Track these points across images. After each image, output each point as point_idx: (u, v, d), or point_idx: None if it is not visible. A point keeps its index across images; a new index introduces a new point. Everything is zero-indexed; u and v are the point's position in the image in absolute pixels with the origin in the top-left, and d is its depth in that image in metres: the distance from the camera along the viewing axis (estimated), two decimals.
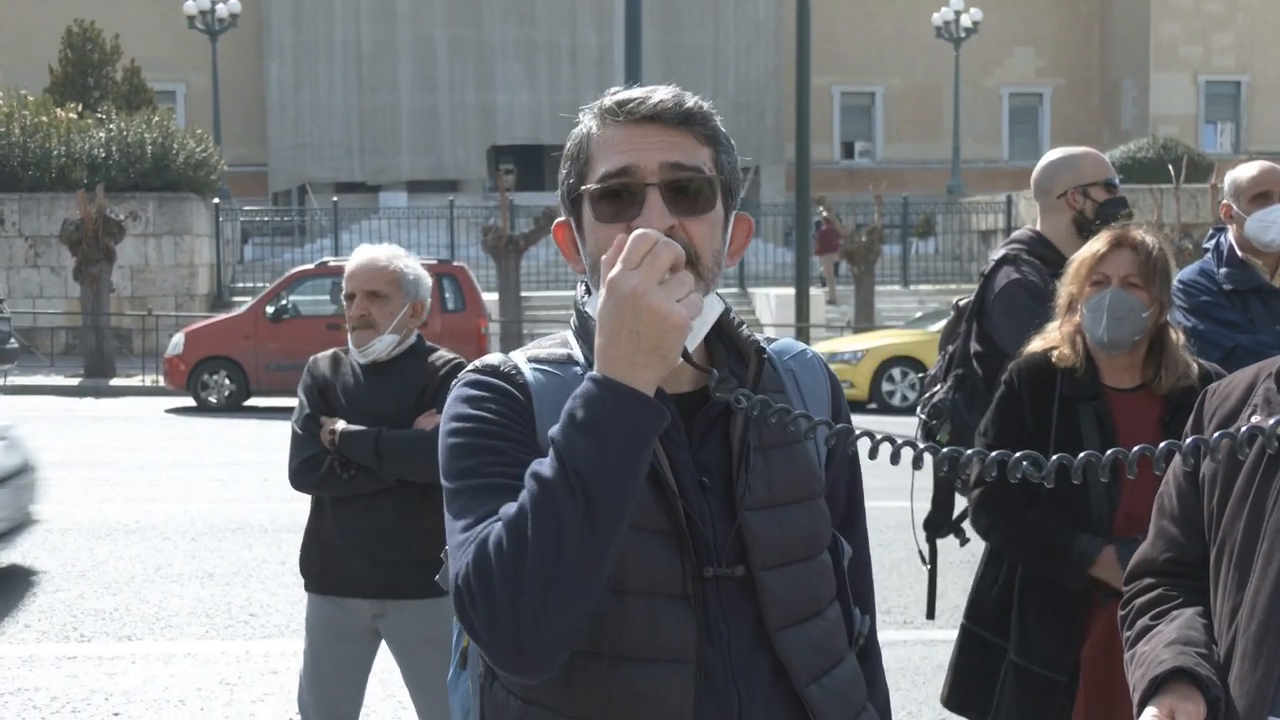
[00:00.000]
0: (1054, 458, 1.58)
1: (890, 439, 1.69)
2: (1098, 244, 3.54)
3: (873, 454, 1.70)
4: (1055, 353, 3.55)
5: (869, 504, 2.16)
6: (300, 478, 4.23)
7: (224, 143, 32.96)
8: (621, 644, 1.79)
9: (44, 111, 26.76)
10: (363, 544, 4.12)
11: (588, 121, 1.87)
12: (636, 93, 1.84)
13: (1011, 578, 3.65)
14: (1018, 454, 1.59)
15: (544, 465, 1.67)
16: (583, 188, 1.83)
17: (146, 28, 38.31)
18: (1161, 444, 1.58)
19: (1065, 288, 3.61)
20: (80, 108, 28.05)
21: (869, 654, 2.10)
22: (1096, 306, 3.46)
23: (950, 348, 4.58)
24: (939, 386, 4.58)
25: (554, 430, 1.67)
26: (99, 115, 27.50)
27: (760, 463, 1.87)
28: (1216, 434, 1.60)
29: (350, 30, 39.75)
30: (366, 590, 4.17)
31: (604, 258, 1.69)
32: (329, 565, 4.21)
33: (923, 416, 4.58)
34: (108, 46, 32.67)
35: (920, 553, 4.82)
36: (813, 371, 2.03)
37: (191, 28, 34.42)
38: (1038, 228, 4.51)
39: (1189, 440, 1.63)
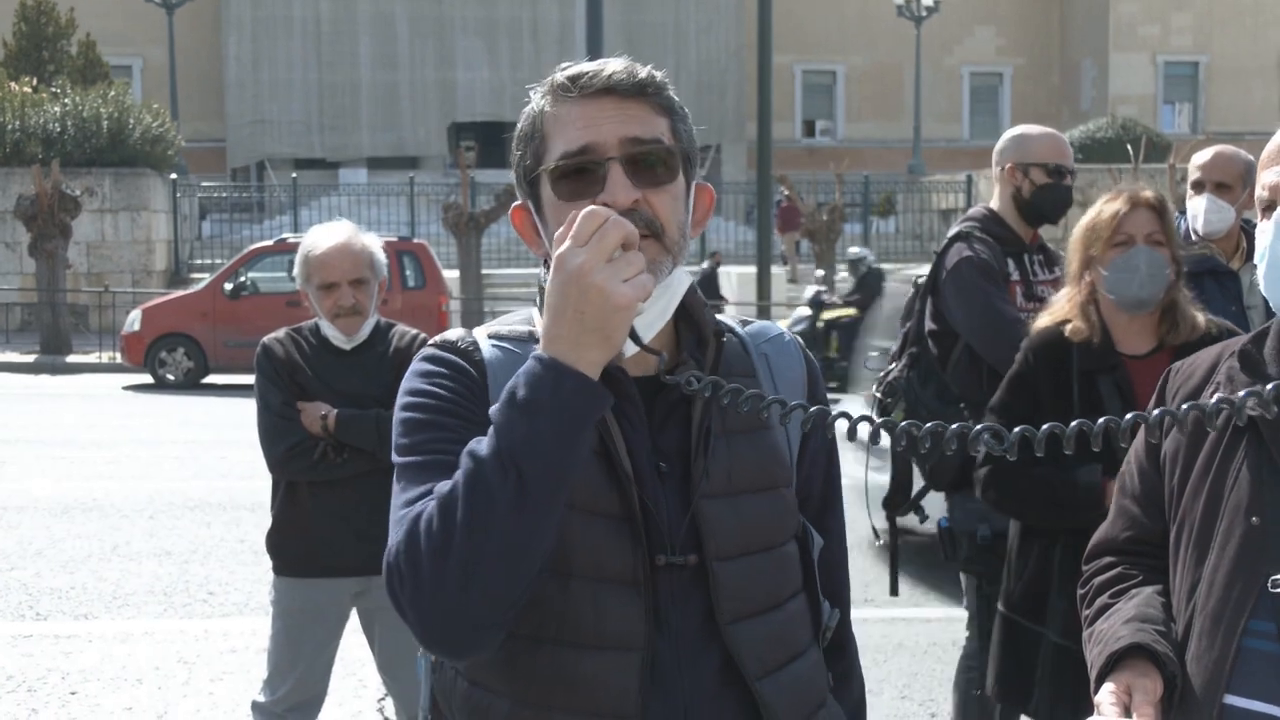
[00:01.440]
0: (1016, 429, 1.56)
1: (862, 418, 1.64)
2: (1115, 204, 3.49)
3: (850, 435, 1.66)
4: (1068, 326, 3.51)
5: None
6: (288, 464, 4.16)
7: (181, 118, 32.65)
8: (565, 629, 1.75)
9: None
10: (348, 522, 4.08)
11: (539, 100, 1.82)
12: (588, 66, 1.79)
13: (1045, 559, 3.57)
14: (979, 426, 1.56)
15: (481, 443, 1.63)
16: (540, 169, 1.79)
17: (102, 1, 37.89)
18: (1127, 415, 1.57)
19: (1079, 253, 3.55)
20: (35, 82, 27.73)
21: (842, 649, 2.05)
22: (1128, 265, 3.42)
23: (907, 326, 4.61)
24: (894, 364, 4.61)
25: (493, 408, 1.64)
26: (54, 90, 27.19)
27: (722, 449, 1.82)
28: (1185, 405, 1.58)
29: (309, 6, 39.48)
30: (350, 569, 4.14)
31: (556, 234, 1.64)
32: (309, 548, 4.18)
33: (878, 395, 4.59)
34: (63, 20, 32.29)
35: (874, 529, 4.84)
36: (788, 355, 1.98)
37: (148, 1, 34.06)
38: (993, 205, 4.54)
39: (1155, 412, 1.62)
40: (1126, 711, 1.91)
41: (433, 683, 1.91)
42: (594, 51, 16.87)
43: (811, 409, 1.64)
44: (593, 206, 1.62)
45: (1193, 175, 4.57)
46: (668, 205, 1.76)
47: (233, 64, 39.55)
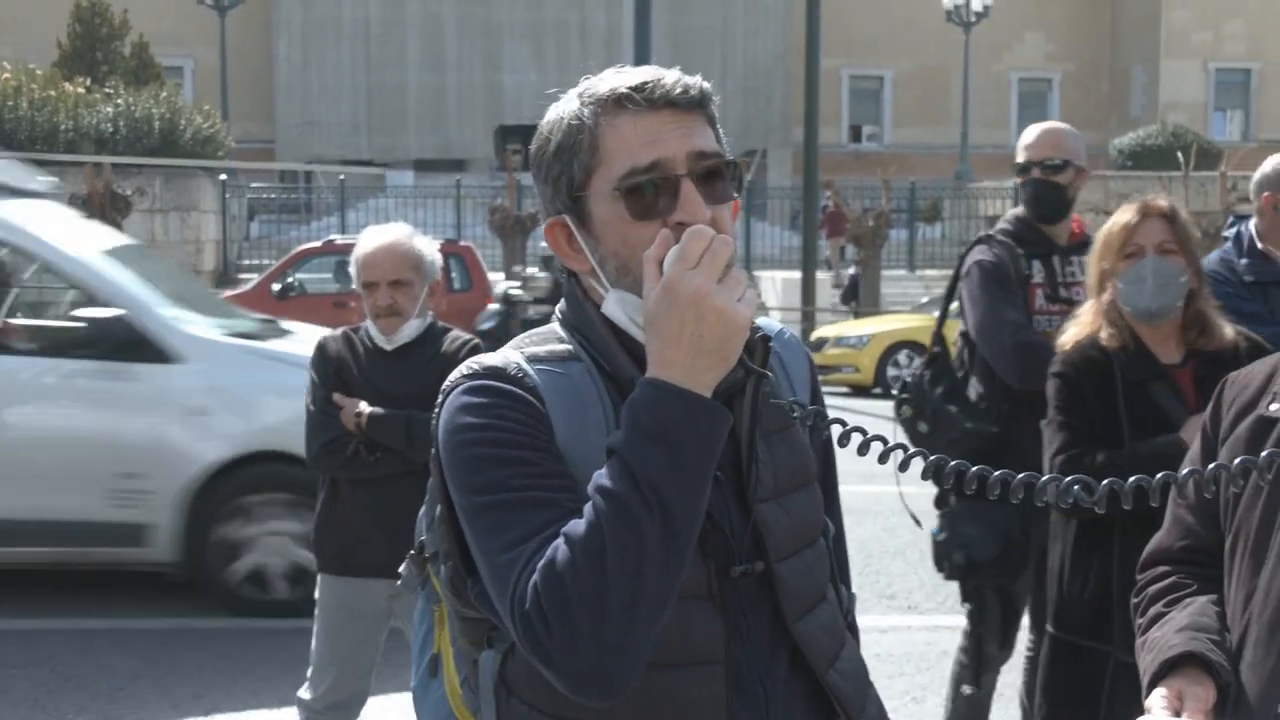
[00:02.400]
0: (1021, 475, 1.55)
1: (902, 446, 1.67)
2: (1126, 215, 3.49)
3: (882, 459, 1.70)
4: (1103, 334, 3.49)
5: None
6: (323, 460, 4.22)
7: (231, 119, 32.90)
8: (657, 650, 1.67)
9: (52, 85, 26.70)
10: (384, 522, 4.10)
11: (580, 109, 1.74)
12: (645, 75, 1.73)
13: (1105, 574, 3.49)
14: (998, 473, 1.54)
15: (608, 479, 1.57)
16: (607, 186, 1.72)
17: (155, 3, 38.23)
18: (1193, 468, 1.57)
19: (1094, 265, 3.55)
20: (88, 82, 27.99)
21: (854, 628, 2.08)
22: (1137, 276, 3.42)
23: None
24: (916, 364, 4.69)
25: (615, 440, 1.59)
26: (107, 90, 27.45)
27: (764, 452, 1.81)
28: (1266, 455, 1.58)
29: (359, 8, 39.72)
30: (386, 570, 4.16)
31: (647, 254, 1.62)
32: (346, 546, 4.22)
33: (895, 393, 4.67)
34: (116, 21, 32.62)
35: (913, 516, 4.85)
36: (794, 352, 1.98)
37: (200, 3, 34.39)
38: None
39: (1237, 461, 1.61)
40: (1177, 714, 1.90)
41: (499, 715, 1.82)
42: (641, 56, 16.90)
43: (911, 450, 1.66)
44: (698, 226, 1.61)
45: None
46: (728, 220, 1.74)
47: (283, 65, 39.83)
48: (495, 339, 12.99)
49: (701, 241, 1.58)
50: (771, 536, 1.80)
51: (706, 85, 1.77)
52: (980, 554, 4.28)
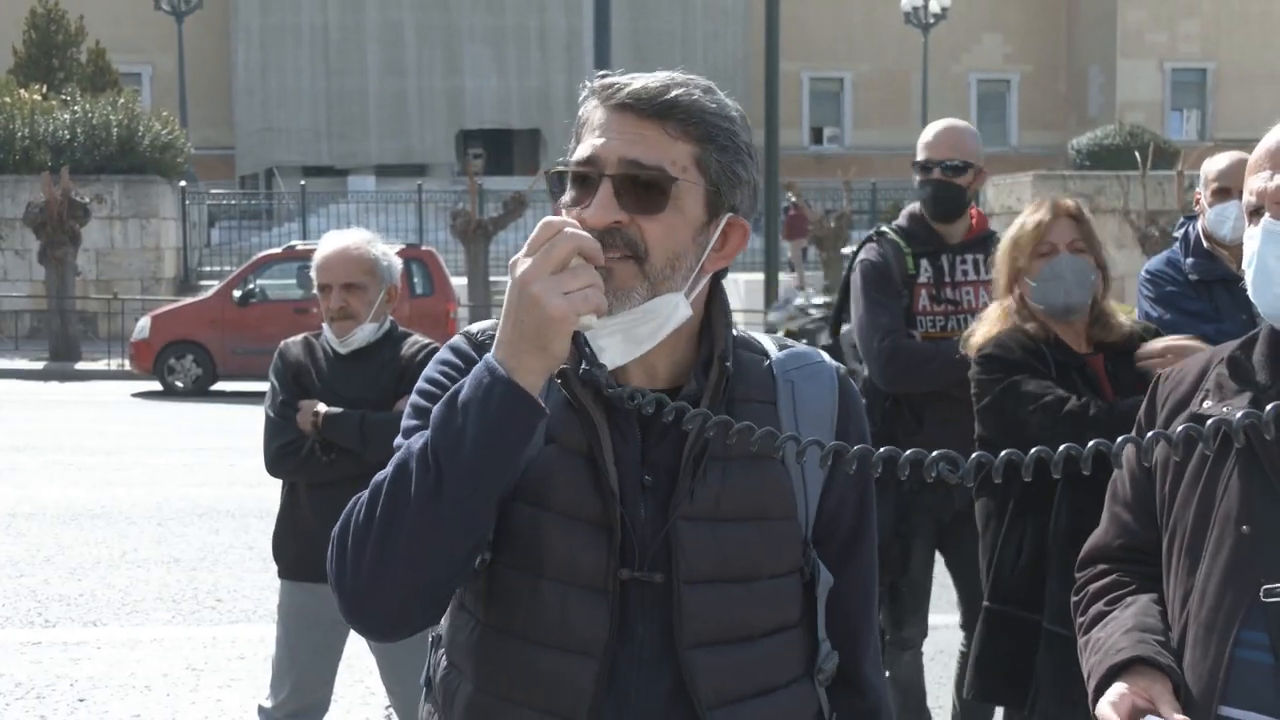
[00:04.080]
0: (974, 455, 1.51)
1: (818, 443, 1.61)
2: (1039, 214, 3.56)
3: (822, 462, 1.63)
4: (1029, 326, 3.53)
5: None
6: (278, 462, 4.22)
7: (190, 125, 32.68)
8: (531, 626, 1.78)
9: (7, 93, 26.49)
10: None
11: (586, 98, 1.82)
12: (622, 77, 1.78)
13: (1038, 542, 3.48)
14: (935, 453, 1.50)
15: (421, 437, 1.67)
16: (557, 166, 1.80)
17: (112, 9, 37.99)
18: (1119, 439, 1.53)
19: (1006, 265, 3.60)
20: (44, 89, 27.78)
21: (859, 692, 1.96)
22: (1053, 274, 3.48)
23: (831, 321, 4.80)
24: None
25: (437, 403, 1.67)
26: (63, 97, 27.23)
27: (716, 472, 1.78)
28: (1182, 427, 1.56)
29: (318, 14, 39.53)
30: None
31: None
32: (304, 551, 4.20)
33: None
34: (72, 27, 32.36)
35: None
36: (818, 383, 1.90)
37: (157, 9, 34.12)
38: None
39: (1149, 434, 1.59)
40: (1155, 711, 1.91)
41: (429, 658, 1.95)
42: (601, 60, 16.87)
43: (806, 441, 1.61)
44: (549, 217, 1.63)
45: (1216, 182, 4.51)
46: (658, 233, 1.72)
47: (241, 72, 39.61)
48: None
49: (546, 231, 1.60)
50: (684, 554, 1.77)
51: (701, 98, 1.77)
52: (885, 526, 4.28)
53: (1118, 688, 1.95)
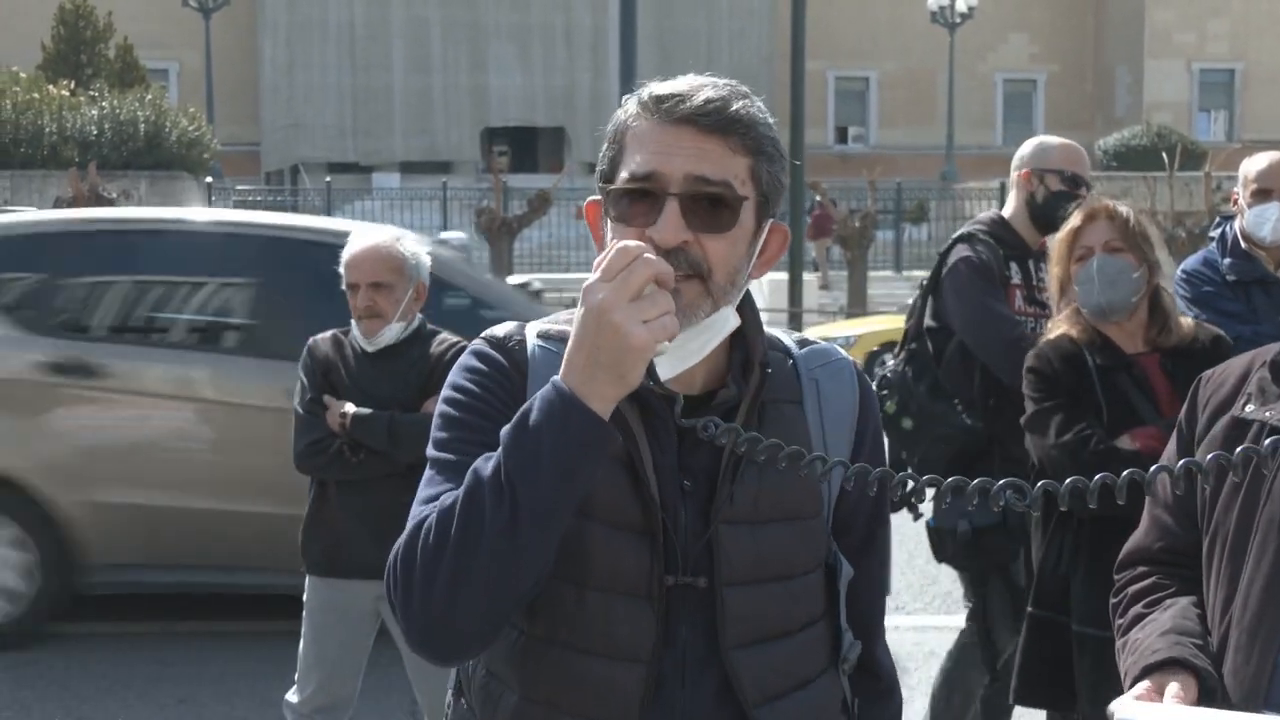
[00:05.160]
0: (1039, 485, 1.53)
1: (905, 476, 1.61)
2: (1073, 220, 3.60)
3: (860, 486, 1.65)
4: (1074, 331, 3.56)
5: None
6: (307, 460, 4.23)
7: (217, 122, 32.83)
8: (577, 634, 1.78)
9: (36, 89, 26.61)
10: (369, 525, 4.09)
11: (630, 106, 1.77)
12: (680, 87, 1.74)
13: (1075, 547, 3.52)
14: (1001, 481, 1.52)
15: (489, 460, 1.63)
16: (607, 185, 1.76)
17: (140, 5, 38.17)
18: (1153, 468, 1.55)
19: (1052, 273, 3.66)
20: (73, 85, 27.90)
21: (875, 675, 2.02)
22: (1086, 277, 3.51)
23: (909, 323, 4.69)
24: (891, 360, 4.67)
25: (505, 427, 1.63)
26: (91, 93, 27.35)
27: (753, 476, 1.79)
28: (1211, 455, 1.57)
29: (344, 11, 39.70)
30: (373, 571, 4.16)
31: (595, 261, 1.61)
32: (332, 548, 4.22)
33: (875, 388, 4.65)
34: (100, 24, 32.52)
35: (910, 507, 4.84)
36: (840, 380, 1.92)
37: (185, 6, 34.34)
38: (1005, 212, 4.57)
39: (1180, 463, 1.61)
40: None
41: (458, 666, 1.94)
42: (627, 59, 16.88)
43: (832, 461, 1.62)
44: (626, 242, 1.59)
45: (1255, 183, 4.49)
46: (721, 250, 1.71)
47: (268, 68, 39.79)
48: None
49: (624, 258, 1.56)
50: (726, 557, 1.79)
51: (753, 108, 1.76)
52: (983, 519, 4.26)
53: (1139, 686, 1.95)
